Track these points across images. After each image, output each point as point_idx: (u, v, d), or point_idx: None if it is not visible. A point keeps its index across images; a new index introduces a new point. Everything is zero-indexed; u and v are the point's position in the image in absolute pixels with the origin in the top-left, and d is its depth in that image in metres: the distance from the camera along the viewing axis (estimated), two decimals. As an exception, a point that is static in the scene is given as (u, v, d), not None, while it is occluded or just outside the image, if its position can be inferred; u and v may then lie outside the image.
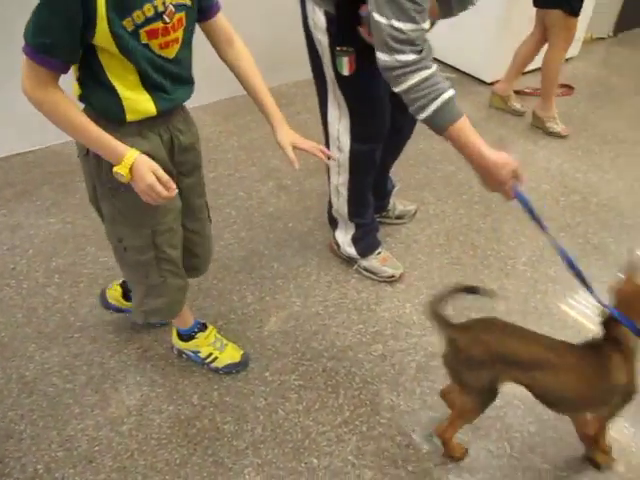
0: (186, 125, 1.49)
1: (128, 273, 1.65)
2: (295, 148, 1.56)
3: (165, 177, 1.30)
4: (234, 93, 3.33)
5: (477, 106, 3.60)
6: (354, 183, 2.09)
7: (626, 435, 1.82)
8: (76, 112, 1.25)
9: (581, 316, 2.21)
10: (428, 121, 1.50)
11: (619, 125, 3.49)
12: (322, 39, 1.75)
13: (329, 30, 1.71)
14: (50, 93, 1.20)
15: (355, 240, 2.25)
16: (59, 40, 1.14)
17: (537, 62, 4.00)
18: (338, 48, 1.71)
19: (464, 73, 3.88)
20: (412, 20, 1.40)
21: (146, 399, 1.83)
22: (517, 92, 3.75)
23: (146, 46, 1.24)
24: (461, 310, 2.18)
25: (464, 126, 1.52)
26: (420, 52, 1.44)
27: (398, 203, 2.55)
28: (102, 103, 1.30)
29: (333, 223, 2.29)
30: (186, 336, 1.89)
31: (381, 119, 1.91)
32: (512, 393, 1.89)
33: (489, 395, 1.55)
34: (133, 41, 1.20)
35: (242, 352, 1.93)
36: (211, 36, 1.46)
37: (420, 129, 2.24)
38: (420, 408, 1.85)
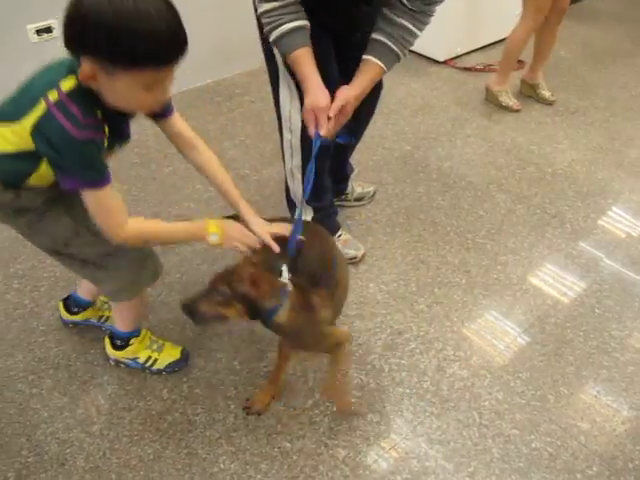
0: None
1: (83, 269, 1.62)
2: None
3: (245, 229, 1.52)
4: (189, 85, 3.32)
5: (430, 86, 3.63)
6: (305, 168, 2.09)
7: (590, 395, 1.87)
8: (160, 226, 1.48)
9: (541, 285, 2.26)
10: (275, 44, 1.68)
11: (569, 96, 3.56)
12: None
13: None
14: (130, 225, 1.38)
15: None
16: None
17: (490, 37, 4.09)
18: None
19: (416, 53, 3.90)
20: None
21: (115, 397, 1.81)
22: (468, 69, 3.79)
23: None
24: (424, 286, 2.22)
25: (299, 58, 1.67)
26: None
27: (356, 185, 2.56)
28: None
29: (291, 207, 2.29)
30: (121, 343, 1.83)
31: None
32: (478, 364, 1.94)
33: None
34: None
35: (180, 348, 1.91)
36: (172, 139, 1.60)
37: (376, 110, 2.27)
38: (389, 385, 1.87)
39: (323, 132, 1.68)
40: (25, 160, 1.32)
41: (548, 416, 1.80)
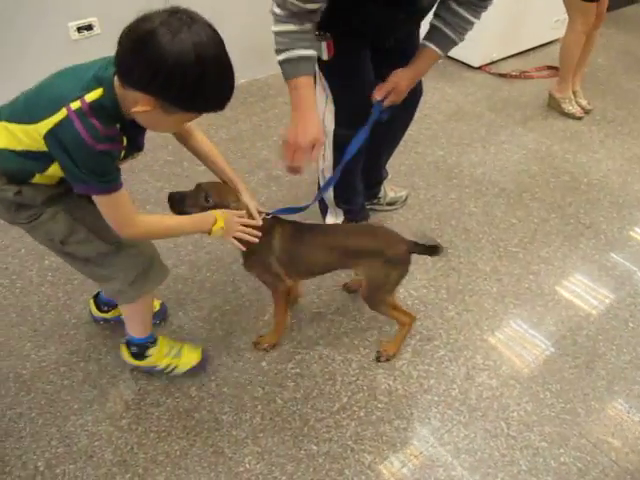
0: None
1: (85, 268, 1.63)
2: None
3: (246, 216, 1.62)
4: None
5: (464, 91, 3.60)
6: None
7: (621, 410, 1.84)
8: (166, 220, 1.53)
9: (574, 296, 2.23)
10: (280, 65, 1.66)
11: (607, 105, 3.51)
12: None
13: None
14: (138, 222, 1.41)
15: None
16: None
17: (527, 43, 4.05)
18: (316, 33, 1.72)
19: (451, 58, 3.87)
20: None
21: (144, 393, 1.83)
22: (503, 75, 3.76)
23: None
24: (454, 294, 2.20)
25: (300, 85, 1.65)
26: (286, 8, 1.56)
27: (389, 190, 2.55)
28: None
29: (322, 209, 2.29)
30: (137, 350, 1.81)
31: (363, 105, 1.91)
32: (508, 374, 1.91)
33: None
34: None
35: (200, 349, 1.89)
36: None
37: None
38: (417, 392, 1.86)
39: (301, 171, 1.73)
40: (35, 160, 1.33)
41: (578, 430, 1.77)
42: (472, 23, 1.74)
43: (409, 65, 1.83)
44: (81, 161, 1.24)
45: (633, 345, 2.04)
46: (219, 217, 1.54)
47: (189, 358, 1.87)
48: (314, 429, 1.75)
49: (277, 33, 1.61)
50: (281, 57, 1.63)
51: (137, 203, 2.48)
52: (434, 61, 1.84)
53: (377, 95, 1.86)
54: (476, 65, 3.85)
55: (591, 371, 1.94)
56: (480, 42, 3.64)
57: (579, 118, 3.34)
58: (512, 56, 4.00)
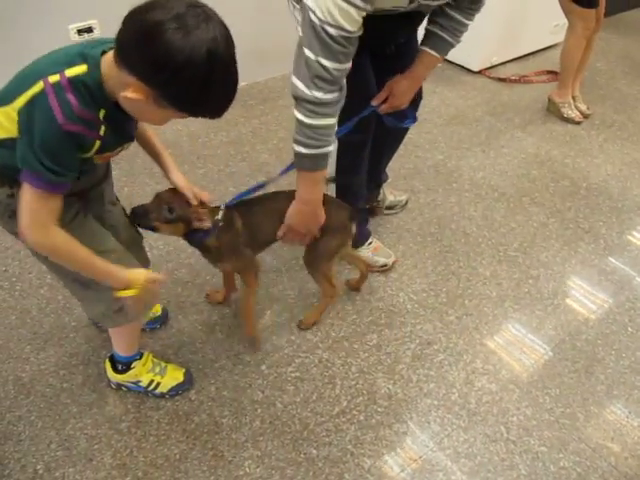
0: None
1: (71, 284, 1.52)
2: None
3: (159, 277, 1.42)
4: (221, 88, 3.33)
5: (464, 95, 3.61)
6: (342, 175, 2.09)
7: (620, 415, 1.84)
8: (81, 251, 1.28)
9: (573, 300, 2.23)
10: (298, 155, 1.57)
11: (606, 110, 3.52)
12: None
13: None
14: (52, 232, 1.23)
15: None
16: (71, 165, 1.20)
17: (526, 48, 4.05)
18: None
19: (451, 62, 3.88)
20: (338, 60, 1.45)
21: (143, 396, 1.83)
22: (502, 79, 3.76)
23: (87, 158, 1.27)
24: (454, 298, 2.20)
25: (315, 180, 1.63)
26: (339, 91, 1.51)
27: (389, 193, 2.55)
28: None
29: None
30: (123, 367, 1.77)
31: (365, 105, 1.92)
32: (507, 378, 1.92)
33: None
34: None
35: (184, 370, 1.85)
36: None
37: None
38: (417, 396, 1.86)
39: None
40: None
41: (577, 435, 1.77)
42: (467, 25, 1.76)
43: (407, 71, 1.84)
44: (41, 140, 1.12)
45: (632, 350, 2.04)
46: (135, 284, 1.35)
47: (173, 377, 1.82)
48: (314, 433, 1.74)
49: (309, 127, 1.50)
50: (304, 151, 1.55)
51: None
52: (433, 65, 1.85)
53: (374, 102, 1.88)
54: (476, 69, 3.85)
55: (590, 376, 1.95)
56: (480, 46, 3.65)
57: (578, 123, 3.35)
58: (511, 60, 4.01)
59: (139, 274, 1.37)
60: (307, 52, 1.44)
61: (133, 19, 1.07)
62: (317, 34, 1.40)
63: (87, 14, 2.76)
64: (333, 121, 1.55)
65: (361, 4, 1.37)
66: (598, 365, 1.98)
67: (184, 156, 2.87)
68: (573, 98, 3.43)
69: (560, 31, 3.57)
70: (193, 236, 1.69)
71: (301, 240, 1.80)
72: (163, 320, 2.04)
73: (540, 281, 2.30)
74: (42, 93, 1.11)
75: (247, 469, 1.65)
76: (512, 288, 2.26)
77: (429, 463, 1.68)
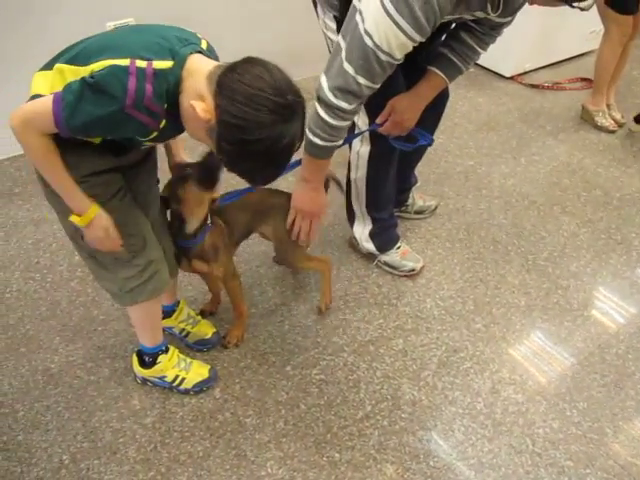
0: None
1: (87, 260, 1.56)
2: None
3: (114, 234, 1.41)
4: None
5: (496, 101, 3.57)
6: (372, 178, 2.09)
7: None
8: (58, 161, 1.29)
9: (603, 313, 2.20)
10: (310, 143, 1.62)
11: (641, 119, 3.45)
12: (334, 39, 1.78)
13: (338, 32, 1.72)
14: (31, 134, 1.24)
15: (373, 235, 2.24)
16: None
17: (560, 54, 4.00)
18: None
19: (483, 67, 3.85)
20: (374, 81, 1.49)
21: (168, 392, 1.84)
22: (535, 86, 3.72)
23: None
24: (481, 305, 2.18)
25: (320, 167, 1.71)
26: (361, 103, 1.55)
27: (418, 198, 2.54)
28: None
29: (351, 218, 2.28)
30: (149, 360, 1.79)
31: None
32: (534, 389, 1.89)
33: None
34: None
35: (209, 367, 1.86)
36: None
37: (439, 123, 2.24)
38: (441, 403, 1.84)
39: (301, 238, 1.84)
40: None
41: (605, 451, 1.74)
42: (479, 53, 1.78)
43: (411, 89, 1.83)
44: (96, 99, 1.15)
45: (663, 365, 2.00)
46: (91, 213, 1.36)
47: (198, 373, 1.84)
48: (337, 436, 1.74)
49: (330, 126, 1.56)
50: (318, 142, 1.60)
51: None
52: (437, 87, 1.84)
53: (378, 120, 1.88)
54: (508, 75, 3.82)
55: (620, 390, 1.91)
56: (513, 52, 3.62)
57: (612, 131, 3.29)
58: (545, 67, 3.96)
59: (93, 212, 1.36)
60: (346, 66, 1.46)
61: (250, 70, 1.16)
62: (366, 55, 1.43)
63: (124, 12, 2.79)
64: (350, 123, 1.62)
65: (418, 38, 1.41)
66: (628, 380, 1.95)
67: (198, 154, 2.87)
68: (607, 106, 3.38)
69: (596, 38, 3.51)
70: (188, 242, 1.73)
71: (306, 228, 1.81)
72: (213, 344, 2.00)
73: (570, 292, 2.27)
74: (125, 70, 1.15)
75: (269, 470, 1.65)
76: (541, 298, 2.23)
77: (452, 472, 1.67)
